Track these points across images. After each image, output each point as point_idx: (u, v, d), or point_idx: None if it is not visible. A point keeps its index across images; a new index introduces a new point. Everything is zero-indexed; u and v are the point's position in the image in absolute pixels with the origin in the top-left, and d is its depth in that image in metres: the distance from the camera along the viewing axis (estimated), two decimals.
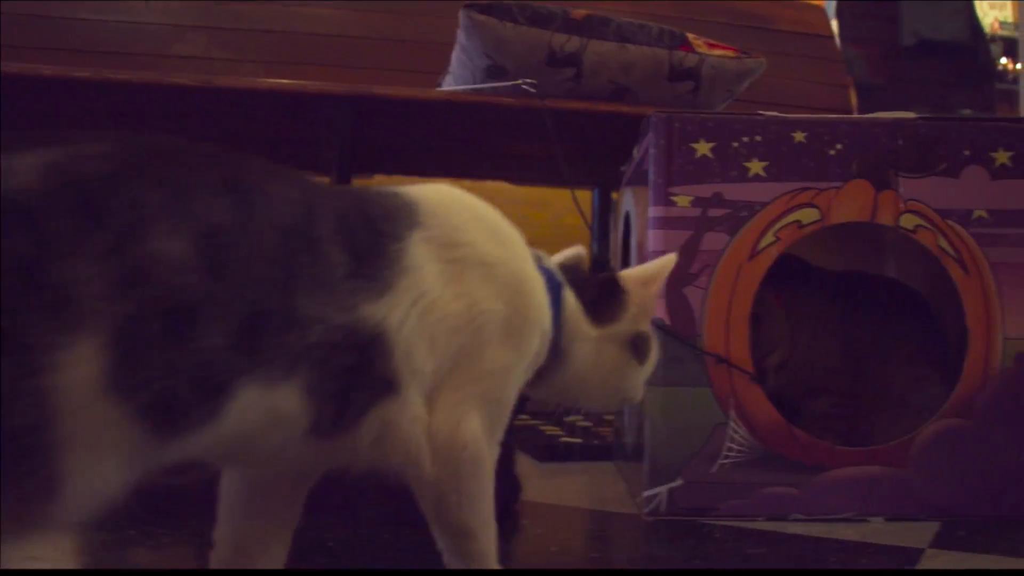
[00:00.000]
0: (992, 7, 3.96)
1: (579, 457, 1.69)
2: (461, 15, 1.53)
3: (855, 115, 1.30)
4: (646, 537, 1.17)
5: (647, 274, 0.89)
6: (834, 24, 3.65)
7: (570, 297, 0.83)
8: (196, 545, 0.97)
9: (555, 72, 1.56)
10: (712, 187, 1.24)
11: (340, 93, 1.49)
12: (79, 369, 0.52)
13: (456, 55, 1.61)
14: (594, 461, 1.67)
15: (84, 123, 1.68)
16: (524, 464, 1.66)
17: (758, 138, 1.24)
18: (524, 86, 1.52)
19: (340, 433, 0.67)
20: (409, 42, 2.05)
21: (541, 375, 0.82)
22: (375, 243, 0.68)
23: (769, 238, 1.24)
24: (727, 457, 1.22)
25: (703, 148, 1.24)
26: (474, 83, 1.59)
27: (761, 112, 1.27)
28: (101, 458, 0.55)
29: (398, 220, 0.71)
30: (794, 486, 1.22)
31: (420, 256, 0.70)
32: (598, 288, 0.86)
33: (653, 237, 1.24)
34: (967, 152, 1.25)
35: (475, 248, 0.74)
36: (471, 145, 1.87)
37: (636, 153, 1.43)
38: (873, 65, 4.02)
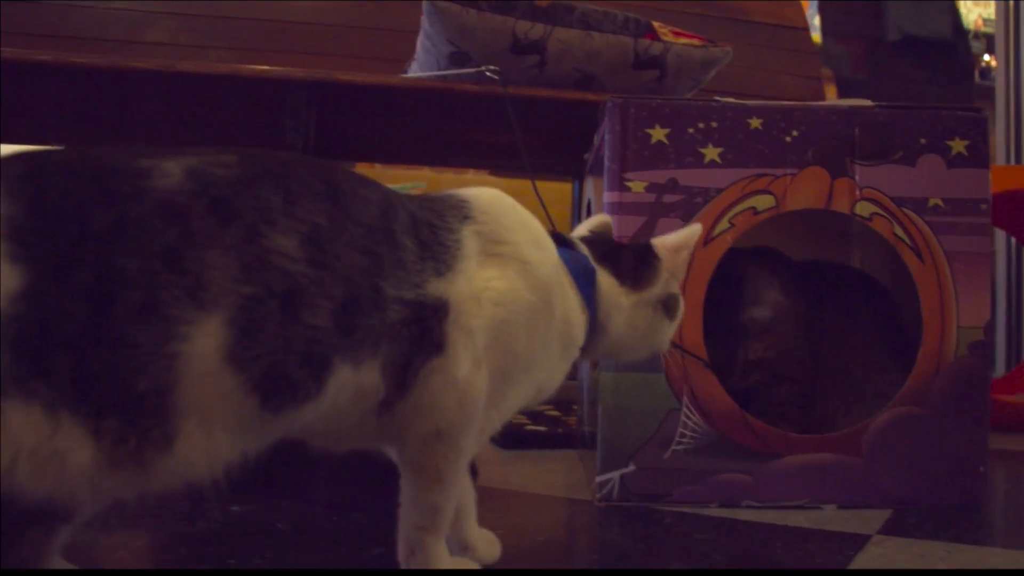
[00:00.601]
0: (976, 4, 3.96)
1: (543, 445, 1.69)
2: (424, 2, 1.52)
3: (811, 102, 1.29)
4: (595, 522, 1.17)
5: (678, 242, 0.96)
6: (818, 19, 3.67)
7: (603, 277, 0.92)
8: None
9: (519, 59, 1.56)
10: (667, 173, 1.23)
11: (301, 79, 1.49)
12: (205, 341, 0.62)
13: (420, 42, 1.61)
14: (558, 449, 1.67)
15: (47, 108, 1.67)
16: (487, 451, 1.66)
17: (714, 124, 1.24)
18: (488, 73, 1.52)
19: (399, 401, 0.75)
20: (380, 30, 2.05)
21: (583, 348, 0.92)
22: (436, 233, 0.79)
23: (724, 224, 1.23)
24: (680, 443, 1.22)
25: (658, 134, 1.24)
26: (438, 70, 1.58)
27: (718, 98, 1.26)
28: (214, 424, 0.64)
29: (455, 215, 0.81)
30: (747, 473, 1.22)
31: (471, 246, 0.80)
32: (634, 256, 0.95)
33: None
34: (923, 141, 1.25)
35: (517, 248, 0.83)
36: (440, 133, 1.86)
37: (596, 140, 1.42)
38: (856, 60, 4.02)
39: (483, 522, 1.14)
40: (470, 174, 3.57)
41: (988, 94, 3.67)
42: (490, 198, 0.85)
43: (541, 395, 0.90)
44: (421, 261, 0.76)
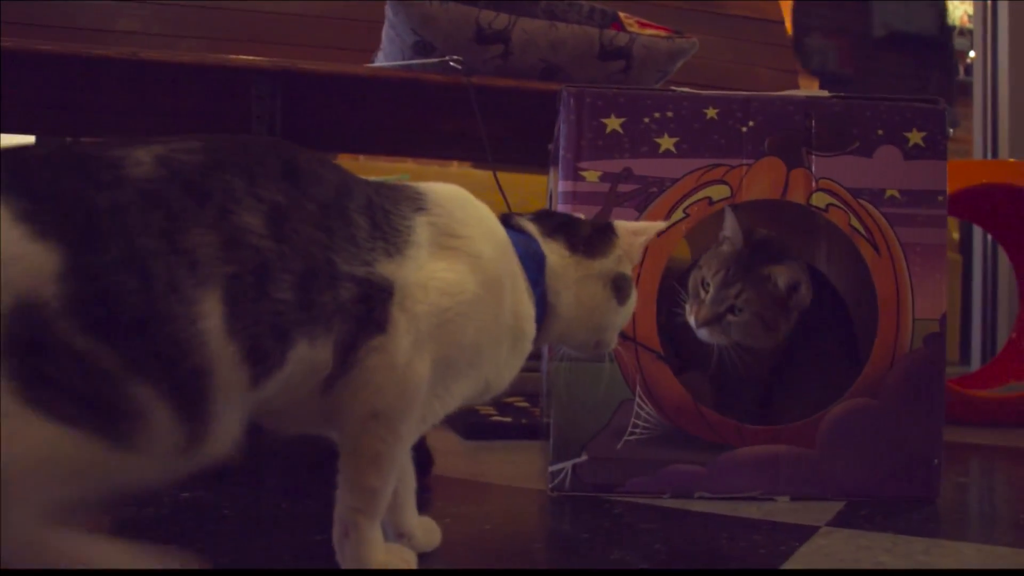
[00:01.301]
0: (962, 2, 3.95)
1: (507, 436, 1.68)
2: None
3: (768, 92, 1.29)
4: (545, 512, 1.17)
5: (638, 227, 0.99)
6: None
7: (554, 250, 0.93)
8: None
9: (483, 49, 1.55)
10: (622, 162, 1.23)
11: (264, 67, 1.48)
12: (214, 318, 0.65)
13: (385, 31, 1.60)
14: (522, 440, 1.67)
15: (13, 97, 1.66)
16: (450, 441, 1.66)
17: (670, 114, 1.24)
18: (452, 63, 1.51)
19: (340, 378, 0.76)
20: (354, 20, 2.04)
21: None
22: (389, 218, 0.80)
23: (678, 214, 1.23)
24: (633, 434, 1.22)
25: (613, 123, 1.23)
26: (403, 60, 1.58)
27: (674, 88, 1.26)
28: (232, 401, 0.67)
29: (409, 204, 0.83)
30: (700, 464, 1.22)
31: (423, 235, 0.81)
32: (592, 227, 0.97)
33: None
34: (880, 132, 1.25)
35: (470, 242, 0.84)
36: (410, 124, 1.86)
37: (556, 130, 1.42)
38: (842, 56, 4.02)
39: (433, 509, 1.14)
40: (454, 166, 3.57)
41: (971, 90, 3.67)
42: (446, 193, 0.86)
43: (491, 390, 0.89)
44: (372, 240, 0.77)
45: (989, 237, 2.72)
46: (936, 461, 1.23)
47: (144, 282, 0.62)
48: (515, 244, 0.89)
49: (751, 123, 1.24)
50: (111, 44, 1.80)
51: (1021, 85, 2.60)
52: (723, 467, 1.22)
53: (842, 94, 1.27)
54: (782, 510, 1.17)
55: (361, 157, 4.87)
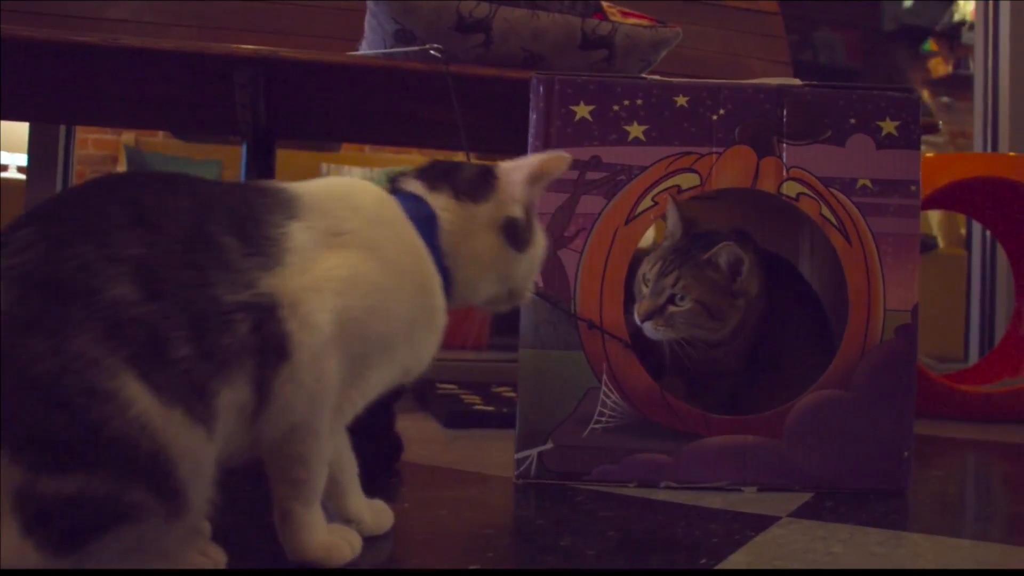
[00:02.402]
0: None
1: (488, 424, 1.68)
2: None
3: (740, 80, 1.28)
4: (505, 499, 1.17)
5: (519, 163, 0.94)
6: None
7: (442, 204, 0.89)
8: None
9: (465, 38, 1.55)
10: (590, 150, 1.22)
11: (242, 55, 1.48)
12: (142, 398, 0.64)
13: (367, 20, 1.61)
14: (504, 429, 1.66)
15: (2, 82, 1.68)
16: (430, 430, 1.67)
17: (639, 101, 1.23)
18: (432, 51, 1.51)
19: (264, 412, 0.75)
20: (349, 11, 2.03)
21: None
22: (260, 227, 0.76)
23: (647, 202, 1.22)
24: (599, 422, 1.21)
25: (582, 111, 1.23)
26: (384, 48, 1.58)
27: (644, 75, 1.25)
28: (198, 462, 0.68)
29: (281, 211, 0.79)
30: (666, 453, 1.21)
31: (303, 240, 0.78)
32: (469, 171, 0.93)
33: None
34: (853, 120, 1.24)
35: (357, 235, 0.81)
36: (397, 113, 1.86)
37: None
38: (850, 49, 3.99)
39: (393, 494, 1.15)
40: (460, 156, 3.56)
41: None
42: (322, 191, 0.83)
43: (412, 372, 0.88)
44: (247, 257, 0.74)
45: (988, 232, 2.68)
46: (906, 453, 1.22)
47: (60, 403, 0.62)
48: (406, 211, 0.87)
49: (721, 111, 1.23)
50: (102, 33, 1.81)
51: (1022, 78, 2.57)
52: (690, 457, 1.21)
53: (814, 82, 1.26)
54: (747, 500, 1.16)
55: (367, 148, 4.90)
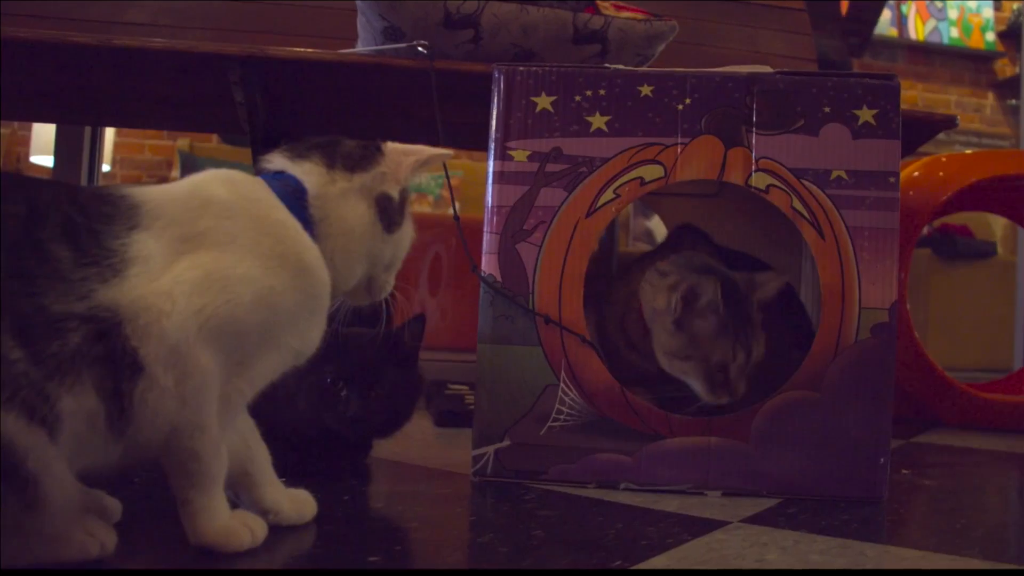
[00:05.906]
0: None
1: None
2: None
3: (708, 69, 1.23)
4: (454, 494, 1.14)
5: (412, 148, 0.95)
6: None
7: (309, 178, 0.88)
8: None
9: (453, 34, 1.54)
10: (551, 142, 1.20)
11: (230, 53, 1.50)
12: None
13: (359, 18, 1.61)
14: None
15: (5, 83, 1.73)
16: (418, 427, 1.65)
17: (602, 92, 1.20)
18: (419, 48, 1.50)
19: (130, 425, 0.75)
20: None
21: None
22: (99, 238, 0.75)
23: (608, 195, 1.19)
24: (557, 420, 1.18)
25: (544, 102, 1.20)
26: (374, 45, 1.58)
27: (608, 65, 1.22)
28: (48, 460, 0.69)
29: (123, 222, 0.77)
30: (626, 454, 1.18)
31: (148, 249, 0.76)
32: (350, 144, 0.93)
33: (490, 192, 1.20)
34: (827, 109, 1.18)
35: (214, 231, 0.80)
36: (384, 110, 1.85)
37: None
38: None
39: (346, 488, 1.13)
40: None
41: None
42: (166, 198, 0.81)
43: (303, 355, 0.87)
44: (81, 268, 0.72)
45: None
46: (883, 460, 1.15)
47: None
48: (273, 188, 0.86)
49: (688, 101, 1.19)
50: (118, 36, 1.85)
51: None
52: (651, 458, 1.17)
53: (786, 70, 1.21)
54: (706, 504, 1.12)
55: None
